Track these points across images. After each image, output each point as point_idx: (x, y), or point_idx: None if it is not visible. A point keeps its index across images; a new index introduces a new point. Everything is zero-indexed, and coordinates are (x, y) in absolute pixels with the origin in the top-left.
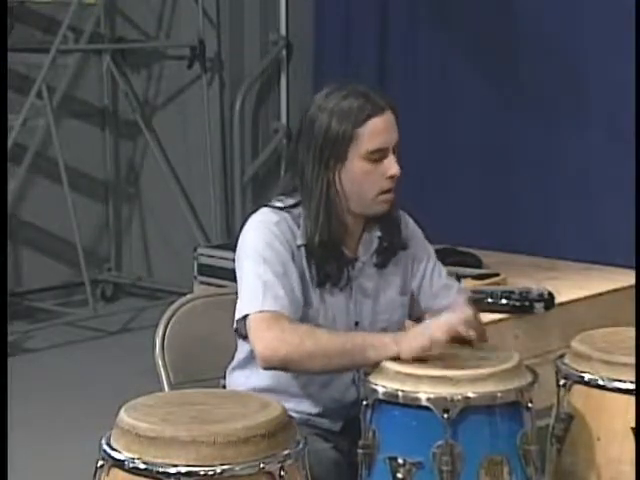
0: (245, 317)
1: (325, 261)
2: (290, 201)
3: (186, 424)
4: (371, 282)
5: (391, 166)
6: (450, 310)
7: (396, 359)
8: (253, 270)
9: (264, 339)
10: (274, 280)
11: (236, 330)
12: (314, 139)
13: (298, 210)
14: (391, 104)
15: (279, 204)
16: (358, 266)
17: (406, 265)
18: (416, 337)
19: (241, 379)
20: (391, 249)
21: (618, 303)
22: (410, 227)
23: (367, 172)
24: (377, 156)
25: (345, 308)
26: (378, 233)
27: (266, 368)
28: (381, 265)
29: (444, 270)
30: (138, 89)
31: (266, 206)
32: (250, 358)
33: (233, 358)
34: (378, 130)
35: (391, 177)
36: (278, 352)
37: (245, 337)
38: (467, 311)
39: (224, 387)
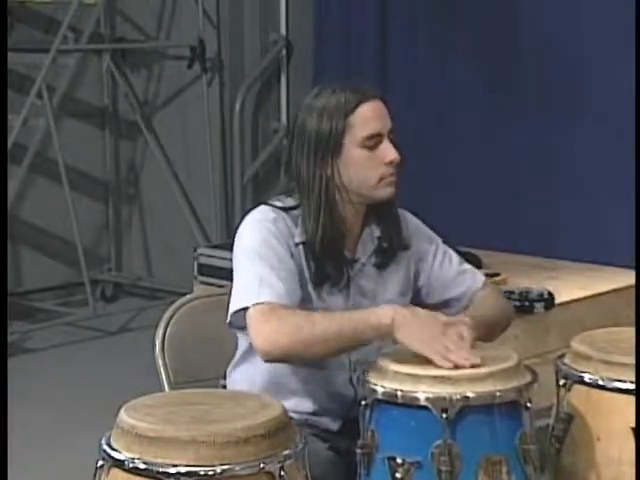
0: (240, 310)
1: (325, 260)
2: (290, 202)
3: (186, 424)
4: (370, 283)
5: (388, 152)
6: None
7: (394, 358)
8: (249, 266)
9: (263, 333)
10: (270, 273)
11: (230, 324)
12: (307, 140)
13: (297, 211)
14: (380, 95)
15: (278, 203)
16: (357, 267)
17: (408, 265)
18: (422, 341)
19: (240, 375)
20: (391, 250)
21: (618, 303)
22: (411, 226)
23: (365, 160)
24: (372, 142)
25: (343, 309)
26: (377, 233)
27: (267, 361)
28: (381, 266)
29: (456, 256)
30: (138, 89)
31: (265, 204)
32: (248, 352)
33: (234, 356)
34: (369, 115)
35: (390, 162)
36: (278, 344)
37: (241, 329)
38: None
39: (224, 387)
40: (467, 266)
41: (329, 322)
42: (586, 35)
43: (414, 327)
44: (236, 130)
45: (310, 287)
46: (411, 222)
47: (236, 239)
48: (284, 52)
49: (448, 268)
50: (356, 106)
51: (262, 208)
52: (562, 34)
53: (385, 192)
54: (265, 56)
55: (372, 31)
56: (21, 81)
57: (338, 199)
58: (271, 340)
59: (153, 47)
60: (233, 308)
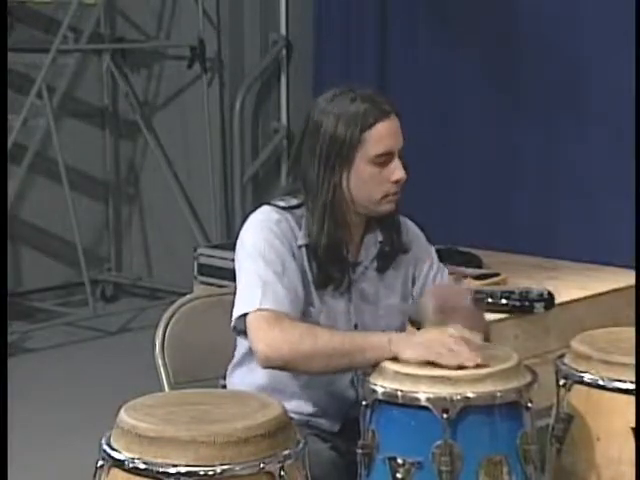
0: (244, 315)
1: (328, 264)
2: (293, 201)
3: (186, 424)
4: (372, 287)
5: (396, 170)
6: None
7: (395, 359)
8: (253, 269)
9: (265, 338)
10: (274, 279)
11: (234, 328)
12: (319, 143)
13: (300, 211)
14: (395, 109)
15: (281, 203)
16: (359, 270)
17: (407, 269)
18: (424, 348)
19: (240, 377)
20: (392, 253)
21: (618, 303)
22: (411, 231)
23: (373, 176)
24: (383, 160)
25: (345, 312)
26: (379, 237)
27: (266, 367)
28: (382, 269)
29: (446, 273)
30: (138, 89)
31: (268, 204)
32: (249, 355)
33: (234, 357)
34: (384, 134)
35: (396, 181)
36: (278, 351)
37: (243, 334)
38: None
39: (224, 387)
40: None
41: (331, 338)
42: (586, 35)
43: (413, 339)
44: (236, 130)
45: (312, 290)
46: (411, 229)
47: (239, 240)
48: (284, 52)
49: (440, 281)
50: (374, 123)
51: (265, 208)
52: (562, 34)
53: (386, 208)
54: (265, 56)
55: (372, 31)
56: (21, 81)
57: (344, 206)
58: (272, 347)
59: (153, 47)
60: (236, 313)
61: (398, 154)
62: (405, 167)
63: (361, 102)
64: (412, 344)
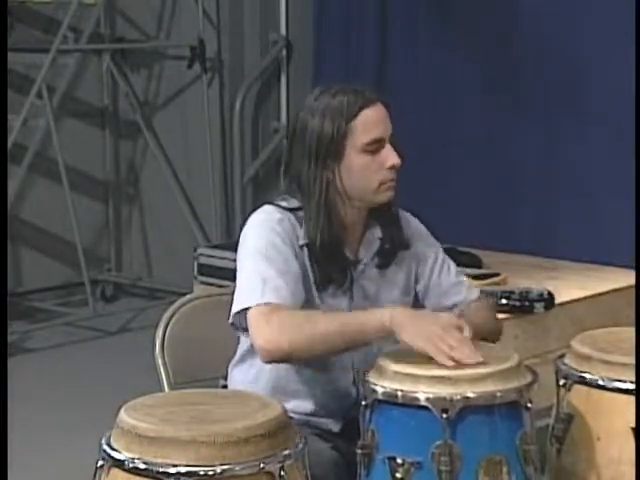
0: (243, 310)
1: (327, 263)
2: (294, 203)
3: (186, 424)
4: (373, 284)
5: (389, 156)
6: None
7: (394, 358)
8: (253, 267)
9: (264, 333)
10: (275, 275)
11: (232, 324)
12: (308, 142)
13: (302, 212)
14: (381, 98)
15: (283, 203)
16: (360, 268)
17: (409, 265)
18: (424, 339)
19: (241, 375)
20: (392, 250)
21: (618, 303)
22: (412, 226)
23: (366, 165)
24: (374, 147)
25: (347, 311)
26: (379, 234)
27: (269, 362)
28: (383, 266)
29: (454, 267)
30: (138, 89)
31: (269, 204)
32: (250, 352)
33: (235, 354)
34: (371, 121)
35: (391, 167)
36: (279, 344)
37: (243, 330)
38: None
39: (224, 387)
40: (464, 278)
41: (330, 322)
42: (586, 35)
43: (415, 325)
44: (236, 130)
45: (314, 289)
46: (412, 223)
47: (241, 239)
48: (284, 52)
49: (446, 276)
50: (358, 111)
51: (267, 208)
52: (562, 34)
53: (385, 196)
54: (265, 56)
55: (372, 31)
56: (21, 81)
57: (338, 202)
58: (272, 341)
59: (153, 47)
60: (235, 308)
61: (389, 140)
62: (399, 153)
63: (343, 95)
64: (413, 332)
